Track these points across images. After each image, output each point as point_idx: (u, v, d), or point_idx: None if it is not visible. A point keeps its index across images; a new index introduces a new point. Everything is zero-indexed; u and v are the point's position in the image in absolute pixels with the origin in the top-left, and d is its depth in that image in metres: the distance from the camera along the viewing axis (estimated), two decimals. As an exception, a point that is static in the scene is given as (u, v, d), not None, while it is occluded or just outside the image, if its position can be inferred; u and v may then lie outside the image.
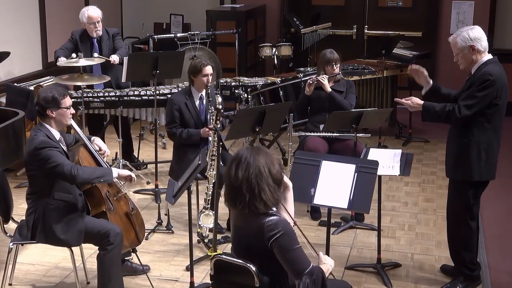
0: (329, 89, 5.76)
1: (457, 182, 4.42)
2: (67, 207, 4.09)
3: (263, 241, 3.04)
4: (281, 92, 6.50)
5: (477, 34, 4.24)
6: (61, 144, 4.15)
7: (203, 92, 5.46)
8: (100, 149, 4.35)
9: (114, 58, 6.44)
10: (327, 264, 3.24)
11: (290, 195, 3.31)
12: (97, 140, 4.41)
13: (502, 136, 4.36)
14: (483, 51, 4.26)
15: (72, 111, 4.19)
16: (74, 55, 6.17)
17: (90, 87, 6.54)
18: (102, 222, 4.19)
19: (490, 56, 4.28)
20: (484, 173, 4.31)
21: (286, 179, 3.24)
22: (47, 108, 4.07)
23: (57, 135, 4.14)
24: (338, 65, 5.86)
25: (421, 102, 4.40)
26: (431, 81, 4.52)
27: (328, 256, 3.52)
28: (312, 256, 3.24)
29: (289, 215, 3.24)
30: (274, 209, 3.11)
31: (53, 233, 4.10)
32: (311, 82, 5.81)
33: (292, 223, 3.18)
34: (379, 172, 4.31)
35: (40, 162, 3.99)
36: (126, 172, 4.25)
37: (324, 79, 5.77)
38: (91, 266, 4.61)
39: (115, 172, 4.16)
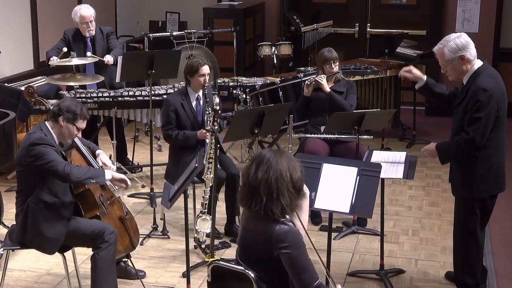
0: (328, 89, 5.77)
1: (465, 200, 4.36)
2: (50, 210, 4.09)
3: (271, 249, 3.04)
4: (280, 93, 6.51)
5: (465, 42, 4.14)
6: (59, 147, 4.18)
7: (200, 93, 5.47)
8: (104, 164, 4.38)
9: (108, 59, 6.44)
10: None
11: (306, 203, 3.27)
12: (102, 155, 4.45)
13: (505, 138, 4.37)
14: (473, 59, 4.17)
15: (79, 135, 4.24)
16: (65, 48, 6.16)
17: (83, 87, 6.54)
18: (95, 222, 4.21)
19: (480, 63, 4.20)
20: (492, 188, 4.26)
21: (304, 186, 3.21)
22: (61, 115, 4.11)
23: (56, 140, 4.17)
24: (337, 64, 5.86)
25: (433, 147, 4.35)
26: (424, 77, 4.49)
27: (329, 262, 3.52)
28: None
29: (302, 225, 3.19)
30: (287, 216, 3.10)
31: (30, 234, 4.11)
32: (309, 83, 5.82)
33: (304, 234, 3.14)
34: (382, 175, 4.32)
35: (32, 158, 4.01)
36: (120, 176, 4.27)
37: (322, 79, 5.77)
38: (84, 272, 4.61)
39: (109, 174, 4.18)
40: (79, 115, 4.12)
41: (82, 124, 4.17)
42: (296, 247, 3.03)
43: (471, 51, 4.17)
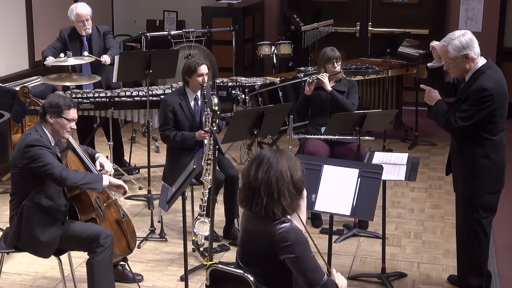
0: (330, 88, 5.77)
1: (466, 198, 4.37)
2: (45, 213, 4.09)
3: (273, 249, 3.05)
4: (280, 93, 6.51)
5: (470, 41, 4.15)
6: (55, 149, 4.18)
7: (198, 93, 5.47)
8: (102, 167, 4.37)
9: (106, 59, 6.43)
10: (339, 283, 3.23)
11: (303, 203, 3.26)
12: (101, 158, 4.45)
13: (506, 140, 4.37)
14: (476, 58, 4.18)
15: (74, 126, 4.22)
16: (62, 55, 6.18)
17: (79, 87, 6.55)
18: (90, 225, 4.21)
19: (483, 61, 4.21)
20: (491, 185, 4.27)
21: None
22: (47, 113, 4.13)
23: (52, 140, 4.17)
24: (339, 63, 5.87)
25: (436, 98, 4.36)
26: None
27: (330, 265, 3.53)
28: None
29: (302, 222, 3.20)
30: (288, 216, 3.11)
31: (24, 237, 4.11)
32: (310, 80, 5.82)
33: (303, 231, 3.16)
34: (383, 177, 4.32)
35: (28, 159, 4.01)
36: (118, 181, 4.26)
37: (325, 78, 5.78)
38: (80, 276, 4.62)
39: (106, 180, 4.17)
40: (63, 105, 4.13)
41: (71, 114, 4.16)
42: (300, 245, 3.04)
43: (475, 50, 4.17)
